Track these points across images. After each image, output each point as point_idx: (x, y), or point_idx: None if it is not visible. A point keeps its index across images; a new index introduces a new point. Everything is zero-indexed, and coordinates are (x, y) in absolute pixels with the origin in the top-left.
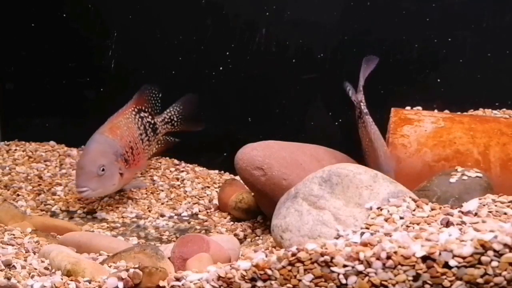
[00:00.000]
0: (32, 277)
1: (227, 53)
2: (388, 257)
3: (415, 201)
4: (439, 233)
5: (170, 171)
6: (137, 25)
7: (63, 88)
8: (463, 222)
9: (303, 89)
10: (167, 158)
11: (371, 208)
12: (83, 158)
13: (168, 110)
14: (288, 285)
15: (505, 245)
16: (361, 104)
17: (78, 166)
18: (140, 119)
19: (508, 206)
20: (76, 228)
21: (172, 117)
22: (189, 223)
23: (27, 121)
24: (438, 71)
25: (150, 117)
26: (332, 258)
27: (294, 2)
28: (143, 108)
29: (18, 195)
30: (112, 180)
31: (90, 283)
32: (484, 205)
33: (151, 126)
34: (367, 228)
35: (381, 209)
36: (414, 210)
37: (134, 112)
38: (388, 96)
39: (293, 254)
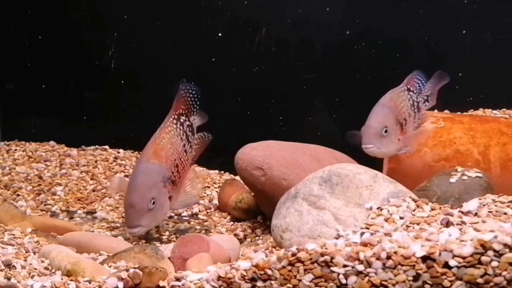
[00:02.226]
0: (32, 277)
1: (227, 53)
2: (388, 257)
3: (415, 201)
4: (439, 233)
5: None
6: (136, 26)
7: (63, 88)
8: (463, 222)
9: (303, 88)
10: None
11: (371, 208)
12: (132, 195)
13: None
14: (288, 285)
15: (505, 245)
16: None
17: (127, 204)
18: (181, 127)
19: (508, 206)
20: (76, 228)
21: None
22: (189, 223)
23: (27, 121)
24: (438, 71)
25: (187, 119)
26: (332, 258)
27: (295, 1)
28: (182, 111)
29: (18, 195)
30: (163, 210)
31: (90, 283)
32: (484, 205)
33: (190, 129)
34: (367, 228)
35: (381, 209)
36: (414, 210)
37: (175, 121)
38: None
39: (293, 254)
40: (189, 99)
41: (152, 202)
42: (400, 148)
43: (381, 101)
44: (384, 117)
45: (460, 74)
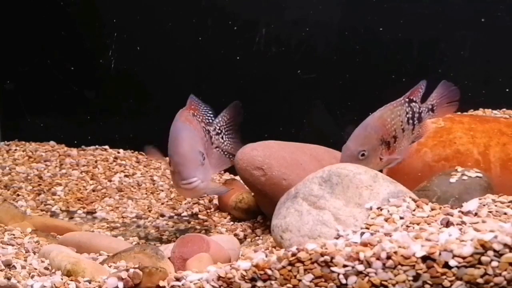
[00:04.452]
0: (32, 277)
1: (227, 53)
2: (388, 257)
3: (415, 201)
4: (439, 233)
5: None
6: (136, 26)
7: (63, 88)
8: (463, 222)
9: (303, 88)
10: (167, 158)
11: (371, 208)
12: (181, 146)
13: (217, 120)
14: (288, 285)
15: (505, 245)
16: (416, 110)
17: (178, 156)
18: (198, 122)
19: (508, 206)
20: (76, 228)
21: (221, 128)
22: (189, 223)
23: (27, 121)
24: (438, 71)
25: (203, 123)
26: (332, 258)
27: (295, 1)
28: (194, 112)
29: (18, 195)
30: (209, 170)
31: (90, 283)
32: (484, 205)
33: (207, 132)
34: (367, 228)
35: (381, 209)
36: (414, 210)
37: (190, 114)
38: (389, 97)
39: (293, 254)
40: (201, 109)
41: (202, 156)
42: (385, 164)
43: (368, 119)
44: (364, 139)
45: (460, 74)
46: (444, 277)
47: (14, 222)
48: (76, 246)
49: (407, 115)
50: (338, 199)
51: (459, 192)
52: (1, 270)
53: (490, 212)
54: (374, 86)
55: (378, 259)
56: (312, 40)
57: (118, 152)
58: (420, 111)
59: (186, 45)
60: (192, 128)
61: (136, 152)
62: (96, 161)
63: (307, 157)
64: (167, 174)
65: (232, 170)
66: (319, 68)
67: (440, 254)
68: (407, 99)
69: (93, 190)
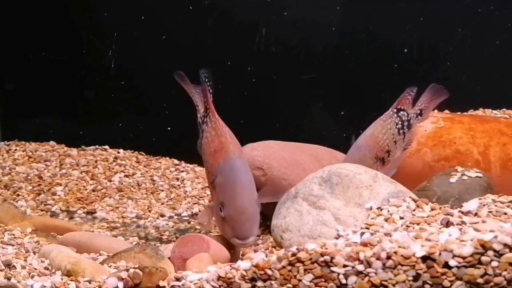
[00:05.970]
0: (32, 277)
1: (227, 53)
2: (388, 257)
3: (415, 201)
4: (439, 233)
5: (170, 171)
6: (136, 25)
7: (63, 88)
8: (463, 222)
9: (303, 89)
10: (167, 158)
11: (371, 208)
12: (243, 199)
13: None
14: (288, 285)
15: (505, 245)
16: (407, 115)
17: (234, 211)
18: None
19: (508, 206)
20: (76, 228)
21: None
22: (189, 223)
23: (27, 121)
24: (438, 71)
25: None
26: (332, 258)
27: (295, 2)
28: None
29: (18, 195)
30: None
31: (90, 283)
32: (484, 205)
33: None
34: (367, 228)
35: (381, 209)
36: (414, 210)
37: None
38: (389, 97)
39: (293, 254)
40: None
41: (258, 204)
42: None
43: (360, 139)
44: (359, 161)
45: (460, 74)
46: (444, 277)
47: (14, 222)
48: (76, 246)
49: (397, 126)
50: (338, 199)
51: (459, 192)
52: (1, 270)
53: (490, 212)
54: (374, 86)
55: (378, 259)
56: (312, 40)
57: (118, 152)
58: (409, 118)
59: (186, 45)
60: (246, 163)
61: (136, 152)
62: (96, 161)
63: (307, 157)
64: (167, 174)
65: None
66: (319, 68)
67: (440, 254)
68: (395, 110)
69: (93, 190)
